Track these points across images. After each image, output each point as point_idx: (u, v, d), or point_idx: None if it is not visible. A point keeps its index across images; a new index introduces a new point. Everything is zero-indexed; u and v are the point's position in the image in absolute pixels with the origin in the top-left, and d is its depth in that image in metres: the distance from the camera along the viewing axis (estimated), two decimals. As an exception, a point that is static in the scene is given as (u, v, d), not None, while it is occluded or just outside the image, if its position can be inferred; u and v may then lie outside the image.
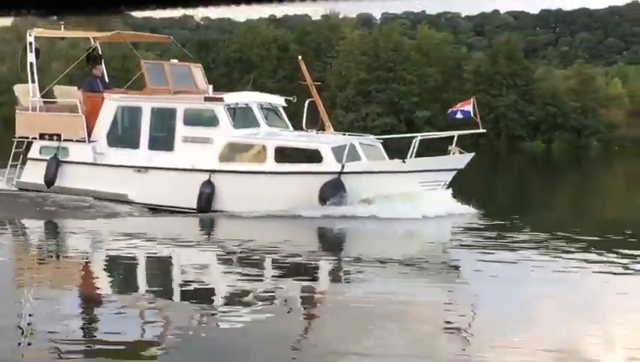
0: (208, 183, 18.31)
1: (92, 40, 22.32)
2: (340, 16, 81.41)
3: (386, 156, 18.95)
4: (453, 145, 18.05)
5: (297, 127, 20.47)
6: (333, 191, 17.41)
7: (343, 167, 17.38)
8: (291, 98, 20.57)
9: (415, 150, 18.24)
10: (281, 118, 20.37)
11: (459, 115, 18.01)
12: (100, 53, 22.13)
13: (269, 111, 20.07)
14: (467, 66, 71.02)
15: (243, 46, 70.21)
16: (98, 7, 1.58)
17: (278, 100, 20.62)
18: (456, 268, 14.32)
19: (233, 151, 18.66)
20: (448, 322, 9.86)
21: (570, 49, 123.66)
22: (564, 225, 18.64)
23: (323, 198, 17.50)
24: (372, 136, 20.12)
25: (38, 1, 1.59)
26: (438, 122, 57.05)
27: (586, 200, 28.14)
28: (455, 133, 18.14)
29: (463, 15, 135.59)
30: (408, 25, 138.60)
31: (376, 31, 78.26)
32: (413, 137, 18.51)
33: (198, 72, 20.83)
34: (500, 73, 69.32)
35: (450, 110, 18.63)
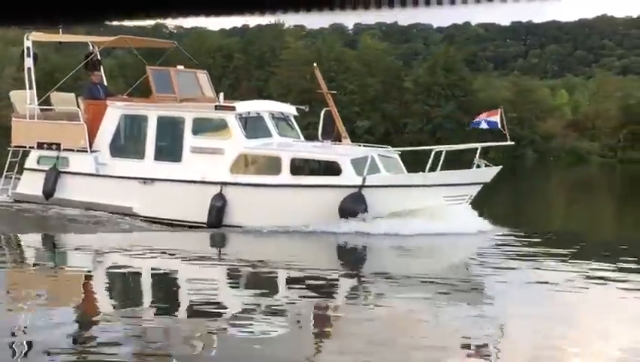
0: (219, 196, 17.72)
1: (91, 45, 20.93)
2: (285, 26, 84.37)
3: (404, 168, 17.89)
4: (477, 156, 17.20)
5: (310, 137, 19.29)
6: (353, 205, 16.71)
7: (364, 180, 16.43)
8: (303, 107, 19.45)
9: (431, 163, 17.92)
10: (293, 127, 19.56)
11: (483, 126, 17.10)
12: (99, 58, 20.70)
13: (280, 120, 19.30)
14: (407, 77, 75.20)
15: (194, 55, 69.33)
16: (76, 18, 1.60)
17: (290, 109, 19.88)
18: (480, 285, 13.88)
19: (245, 162, 18.12)
20: (470, 343, 9.59)
21: (539, 61, 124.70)
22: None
23: (343, 213, 16.84)
24: (390, 148, 18.90)
25: (19, 12, 1.58)
26: (377, 131, 61.56)
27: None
28: (479, 145, 17.18)
29: (435, 26, 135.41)
30: (380, 35, 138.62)
31: (320, 41, 78.51)
32: (431, 150, 17.24)
33: (204, 78, 20.03)
34: (438, 84, 72.63)
35: (474, 120, 17.51)
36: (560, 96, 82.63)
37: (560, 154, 65.65)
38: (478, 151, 17.97)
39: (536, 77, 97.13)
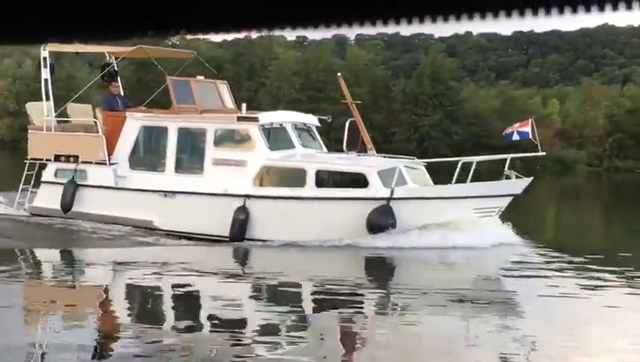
0: (242, 209, 17.50)
1: (107, 55, 20.41)
2: (285, 37, 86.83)
3: (430, 180, 17.36)
4: (506, 167, 16.71)
5: (333, 148, 18.83)
6: (382, 218, 16.41)
7: (392, 192, 15.85)
8: (326, 118, 18.95)
9: (458, 174, 17.79)
10: (315, 138, 19.21)
11: (515, 137, 16.59)
12: (116, 69, 20.20)
13: (302, 131, 18.98)
14: (395, 87, 77.02)
15: (180, 66, 69.15)
16: (87, 35, 1.58)
17: (312, 120, 19.34)
18: (511, 301, 13.66)
19: (269, 174, 17.85)
20: (501, 358, 9.40)
21: (541, 70, 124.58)
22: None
23: (371, 226, 16.55)
24: (416, 159, 18.41)
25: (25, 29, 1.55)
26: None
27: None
28: (508, 156, 16.63)
29: (437, 36, 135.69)
30: (382, 46, 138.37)
31: (309, 52, 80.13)
32: (457, 161, 16.81)
33: (224, 89, 19.70)
34: (425, 93, 74.10)
35: (506, 132, 16.98)
36: (551, 105, 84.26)
37: (546, 163, 66.13)
38: (507, 162, 17.52)
39: (535, 86, 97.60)
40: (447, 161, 19.51)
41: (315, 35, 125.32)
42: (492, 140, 71.68)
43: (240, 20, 1.52)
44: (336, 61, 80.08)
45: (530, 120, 17.80)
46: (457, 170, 17.70)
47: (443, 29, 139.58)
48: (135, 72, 64.58)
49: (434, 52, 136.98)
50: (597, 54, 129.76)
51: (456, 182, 17.82)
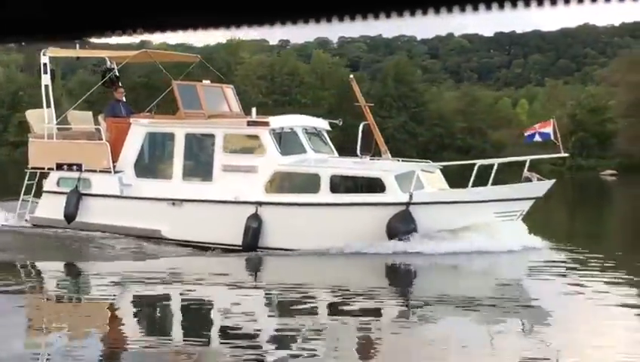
0: (255, 217, 17.09)
1: (108, 61, 19.67)
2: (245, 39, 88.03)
3: (446, 183, 16.76)
4: (525, 169, 16.38)
5: (344, 152, 18.20)
6: (401, 224, 16.14)
7: (411, 196, 15.21)
8: (337, 121, 18.29)
9: (475, 176, 17.23)
10: (326, 143, 18.81)
11: (537, 138, 16.08)
12: (118, 74, 19.46)
13: (313, 135, 18.46)
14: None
15: (149, 72, 69.35)
16: (52, 33, 1.60)
17: (323, 124, 18.87)
18: (534, 308, 13.14)
19: (282, 180, 17.66)
20: None
21: (523, 71, 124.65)
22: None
23: (391, 232, 16.06)
24: (431, 162, 17.79)
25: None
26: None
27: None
28: (527, 158, 16.13)
29: (419, 38, 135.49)
30: (365, 48, 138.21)
31: (274, 56, 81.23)
32: (473, 164, 16.30)
33: (230, 93, 19.28)
34: (390, 95, 75.31)
35: (527, 133, 16.40)
36: (521, 105, 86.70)
37: (511, 164, 66.37)
38: (527, 164, 16.91)
39: (513, 87, 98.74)
40: (462, 163, 18.89)
41: (297, 38, 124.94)
42: (456, 141, 72.44)
43: (207, 18, 1.49)
44: (301, 65, 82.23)
45: (551, 120, 17.29)
46: (474, 173, 17.09)
47: (425, 30, 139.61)
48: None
49: (416, 54, 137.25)
50: (578, 54, 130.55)
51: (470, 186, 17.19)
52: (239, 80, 72.78)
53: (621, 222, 30.58)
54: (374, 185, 17.16)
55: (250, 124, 18.25)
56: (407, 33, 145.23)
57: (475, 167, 17.36)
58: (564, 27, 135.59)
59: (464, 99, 79.22)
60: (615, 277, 15.15)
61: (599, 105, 73.57)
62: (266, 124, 18.17)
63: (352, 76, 20.88)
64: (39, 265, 17.01)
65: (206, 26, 1.50)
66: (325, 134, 20.14)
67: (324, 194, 17.23)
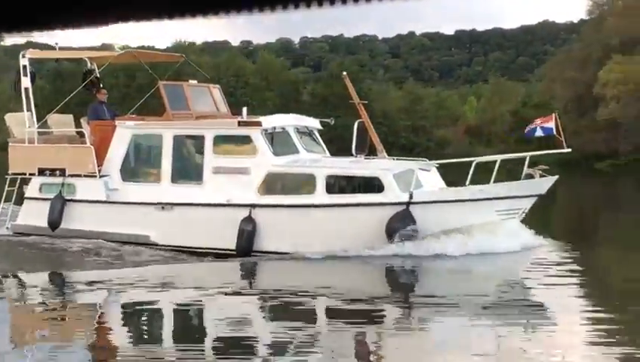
0: (249, 220, 16.88)
1: (89, 62, 18.96)
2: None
3: (443, 182, 16.27)
4: (525, 165, 15.78)
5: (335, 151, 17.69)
6: (402, 224, 15.85)
7: (411, 196, 14.71)
8: (329, 120, 17.73)
9: (471, 173, 16.86)
10: (318, 142, 18.46)
11: (539, 133, 15.62)
12: (98, 76, 18.71)
13: (304, 135, 17.96)
14: (305, 89, 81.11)
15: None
16: None
17: (314, 123, 18.41)
18: (541, 310, 12.88)
19: (275, 182, 17.60)
20: None
21: (483, 68, 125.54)
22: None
23: (391, 233, 15.82)
24: (427, 160, 17.28)
25: None
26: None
27: None
28: (527, 154, 15.71)
29: (380, 37, 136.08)
30: (327, 49, 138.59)
31: (221, 58, 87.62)
32: (471, 161, 15.93)
33: (217, 93, 19.00)
34: (335, 95, 75.28)
35: (527, 128, 15.88)
36: (469, 103, 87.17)
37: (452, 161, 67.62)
38: (527, 160, 16.43)
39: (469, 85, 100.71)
40: (459, 161, 18.37)
41: (259, 39, 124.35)
42: (400, 139, 72.69)
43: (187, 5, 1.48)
44: (248, 65, 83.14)
45: (553, 115, 16.87)
46: (471, 170, 16.61)
47: (386, 29, 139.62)
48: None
49: (378, 53, 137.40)
50: (538, 51, 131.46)
51: (468, 184, 16.72)
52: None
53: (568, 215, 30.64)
54: (372, 185, 16.91)
55: (241, 124, 17.93)
56: (368, 33, 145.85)
57: (473, 165, 17.01)
58: (525, 24, 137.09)
59: (408, 98, 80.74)
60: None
61: (543, 102, 74.10)
62: (258, 124, 17.89)
63: (345, 73, 20.29)
64: (22, 275, 16.30)
65: (142, 17, 1.46)
66: (317, 133, 19.98)
67: (320, 195, 16.94)
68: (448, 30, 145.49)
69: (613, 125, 59.07)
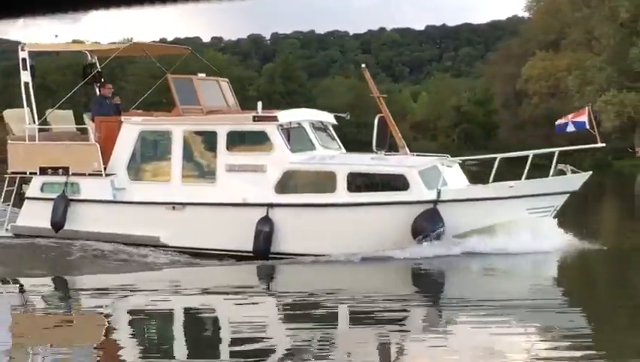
0: (266, 220, 16.12)
1: (89, 55, 17.99)
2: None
3: (466, 179, 15.52)
4: (554, 161, 15.31)
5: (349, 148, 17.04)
6: (430, 224, 15.06)
7: (439, 194, 13.87)
8: (344, 115, 16.85)
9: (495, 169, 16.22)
10: (333, 138, 17.94)
11: (570, 128, 14.87)
12: (100, 70, 17.77)
13: (320, 130, 17.12)
14: (251, 86, 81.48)
15: (45, 73, 68.40)
16: None
17: (329, 118, 17.68)
18: (570, 310, 12.40)
19: (293, 179, 16.94)
20: None
21: (453, 64, 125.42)
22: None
23: (418, 233, 15.08)
24: (449, 156, 16.55)
25: None
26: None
27: None
28: (556, 150, 15.22)
29: (351, 33, 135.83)
30: (298, 44, 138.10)
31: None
32: (494, 158, 15.22)
33: (226, 87, 18.14)
34: (278, 92, 77.62)
35: (558, 122, 15.17)
36: (421, 98, 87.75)
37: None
38: (556, 156, 15.67)
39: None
40: (483, 158, 17.62)
41: (231, 35, 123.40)
42: (345, 136, 72.46)
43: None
44: (195, 63, 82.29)
45: (586, 108, 16.06)
46: (495, 165, 15.87)
47: (357, 25, 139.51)
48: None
49: (349, 49, 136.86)
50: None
51: (486, 181, 15.98)
52: (132, 79, 72.82)
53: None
54: (397, 183, 16.24)
55: (256, 119, 17.12)
56: (340, 28, 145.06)
57: (496, 161, 16.25)
58: (494, 19, 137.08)
59: (352, 93, 79.66)
60: None
61: (485, 97, 76.14)
62: (274, 119, 17.13)
63: (364, 65, 19.36)
64: (23, 280, 15.58)
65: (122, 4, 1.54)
66: (331, 129, 19.15)
67: (342, 194, 16.22)
68: (419, 25, 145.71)
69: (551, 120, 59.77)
